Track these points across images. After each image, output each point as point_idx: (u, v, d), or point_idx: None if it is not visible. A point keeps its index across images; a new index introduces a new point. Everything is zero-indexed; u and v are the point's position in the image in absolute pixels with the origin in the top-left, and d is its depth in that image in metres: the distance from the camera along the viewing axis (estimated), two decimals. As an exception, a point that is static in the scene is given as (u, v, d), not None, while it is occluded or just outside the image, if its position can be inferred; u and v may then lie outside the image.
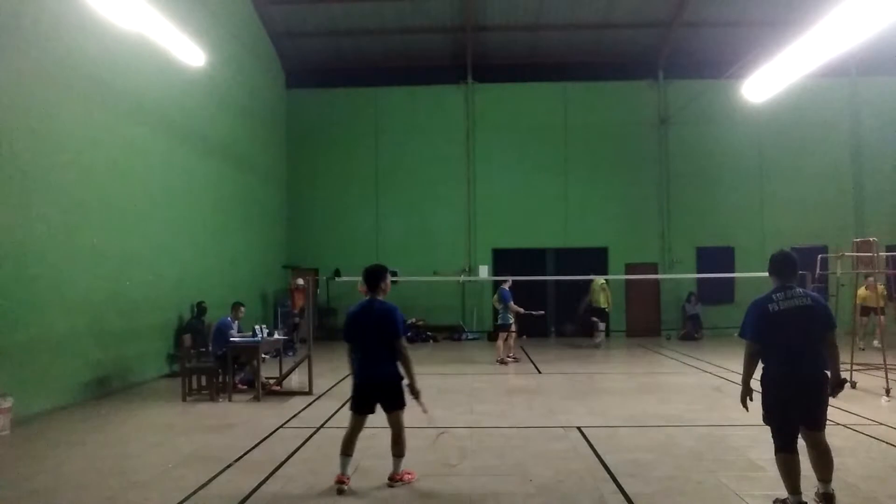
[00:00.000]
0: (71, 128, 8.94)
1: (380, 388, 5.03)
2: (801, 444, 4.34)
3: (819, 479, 4.33)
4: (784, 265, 4.44)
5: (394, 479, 5.01)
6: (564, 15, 17.65)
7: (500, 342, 12.78)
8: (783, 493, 4.38)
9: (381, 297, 5.13)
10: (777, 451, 4.32)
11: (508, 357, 12.73)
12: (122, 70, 10.18)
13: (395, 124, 19.10)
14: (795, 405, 4.26)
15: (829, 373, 4.30)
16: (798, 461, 4.25)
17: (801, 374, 4.23)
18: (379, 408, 5.08)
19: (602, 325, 15.67)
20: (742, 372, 4.47)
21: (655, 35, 18.36)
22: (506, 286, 12.98)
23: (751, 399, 4.49)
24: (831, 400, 4.44)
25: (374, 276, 5.15)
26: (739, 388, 4.57)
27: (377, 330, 4.99)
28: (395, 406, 5.04)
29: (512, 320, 12.76)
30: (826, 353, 4.30)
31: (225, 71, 14.21)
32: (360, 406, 5.06)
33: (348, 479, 4.93)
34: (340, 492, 4.82)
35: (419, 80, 19.02)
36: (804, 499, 4.25)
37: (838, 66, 16.91)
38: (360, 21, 17.86)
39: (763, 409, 4.40)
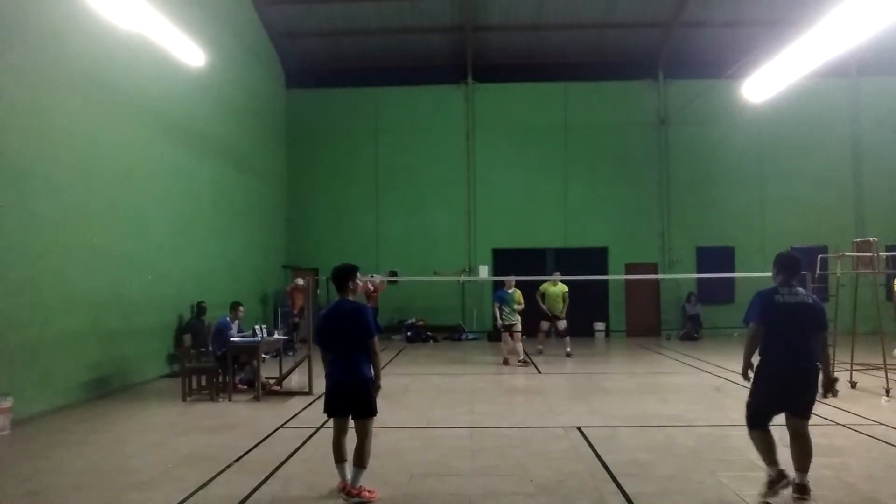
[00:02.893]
0: (71, 128, 8.94)
1: (352, 392, 4.79)
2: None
3: (796, 469, 4.55)
4: (790, 264, 4.77)
5: (351, 494, 4.68)
6: (564, 15, 17.66)
7: (517, 344, 12.52)
8: (782, 492, 4.47)
9: (350, 297, 4.99)
10: (751, 429, 4.67)
11: (512, 357, 12.53)
12: (122, 70, 10.18)
13: (395, 124, 19.10)
14: (787, 394, 4.56)
15: (818, 366, 4.63)
16: (772, 435, 4.59)
17: (797, 366, 4.54)
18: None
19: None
20: (744, 351, 4.75)
21: (655, 35, 18.37)
22: (505, 287, 12.82)
23: (751, 371, 4.74)
24: (830, 399, 4.52)
25: (342, 275, 4.98)
26: (739, 388, 4.84)
27: (349, 330, 4.82)
28: (365, 413, 4.81)
29: (508, 321, 12.54)
30: (818, 350, 4.66)
31: (225, 71, 14.21)
32: (337, 409, 4.88)
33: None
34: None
35: (419, 80, 19.02)
36: (782, 468, 4.53)
37: (838, 66, 16.92)
38: (360, 21, 17.87)
39: (751, 388, 4.73)
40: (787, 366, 4.55)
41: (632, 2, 17.29)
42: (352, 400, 4.81)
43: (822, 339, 4.70)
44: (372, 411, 4.84)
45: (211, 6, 13.59)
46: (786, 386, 4.56)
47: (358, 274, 5.15)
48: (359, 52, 18.92)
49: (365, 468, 4.78)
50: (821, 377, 4.68)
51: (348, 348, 4.83)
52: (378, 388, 4.91)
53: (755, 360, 4.74)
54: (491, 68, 19.02)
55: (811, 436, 4.62)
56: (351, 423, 4.94)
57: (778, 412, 4.61)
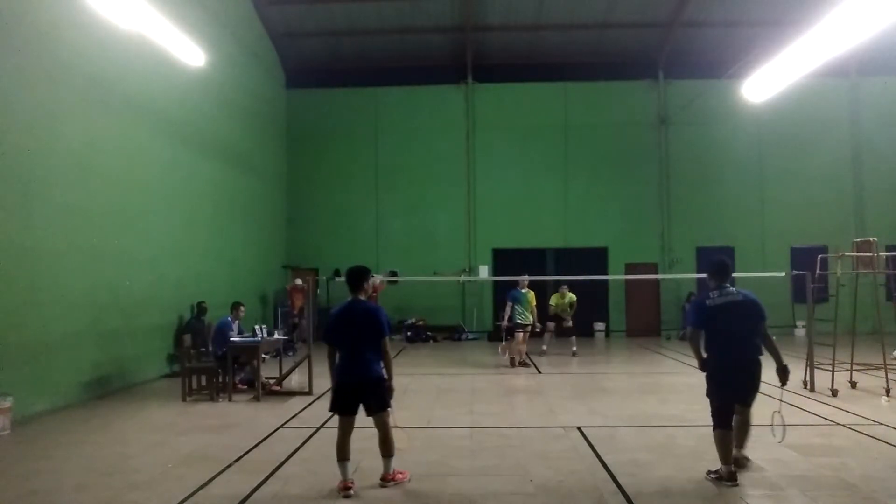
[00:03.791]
0: (71, 128, 8.94)
1: (364, 389, 4.94)
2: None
3: (736, 446, 5.12)
4: (718, 269, 5.25)
5: (386, 480, 4.97)
6: (564, 15, 17.66)
7: (521, 346, 12.24)
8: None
9: (363, 297, 5.12)
10: (716, 427, 5.04)
11: (513, 358, 12.24)
12: (122, 70, 10.18)
13: (395, 124, 19.10)
14: (732, 385, 5.02)
15: (761, 359, 5.00)
16: (732, 436, 5.05)
17: (736, 359, 5.01)
18: (362, 410, 5.01)
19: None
20: (693, 352, 5.29)
21: (655, 35, 18.37)
22: (519, 287, 12.52)
23: (707, 366, 5.15)
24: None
25: (357, 276, 5.13)
26: None
27: (363, 330, 4.95)
28: (379, 407, 4.97)
29: (521, 320, 12.21)
30: (760, 342, 5.05)
31: (225, 71, 14.20)
32: (344, 407, 4.96)
33: (353, 483, 4.87)
34: (348, 497, 4.75)
35: (419, 80, 19.02)
36: (734, 469, 4.99)
37: (838, 66, 16.93)
38: (360, 21, 17.87)
39: (707, 386, 5.17)
40: (727, 360, 5.03)
41: (632, 2, 17.29)
42: (362, 398, 4.94)
43: (761, 328, 5.08)
44: (385, 405, 5.00)
45: (211, 6, 13.58)
46: (730, 378, 5.03)
47: (370, 276, 5.31)
48: (359, 52, 18.92)
49: (393, 456, 5.01)
50: (772, 368, 5.09)
51: (359, 347, 4.95)
52: (391, 388, 5.04)
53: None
54: (491, 68, 19.01)
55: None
56: (366, 423, 5.04)
57: (733, 403, 5.04)
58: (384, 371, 5.00)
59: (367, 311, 5.00)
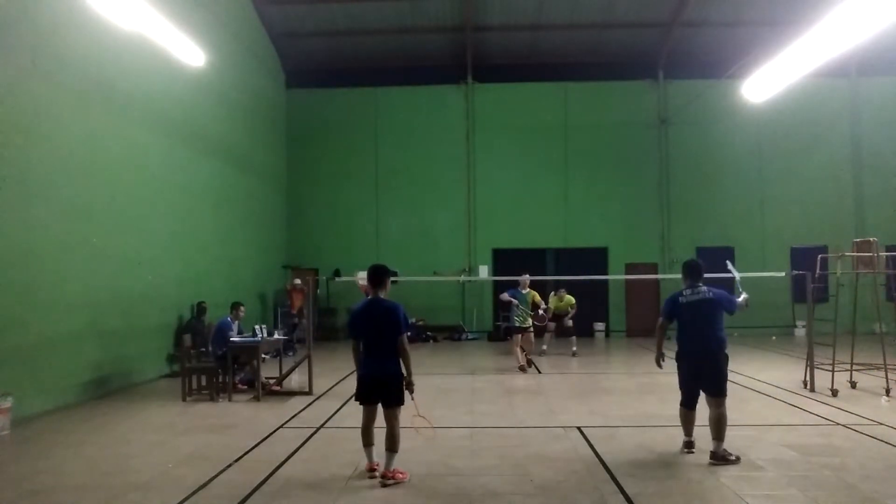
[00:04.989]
0: (71, 128, 8.94)
1: (382, 384, 5.17)
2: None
3: (713, 438, 5.56)
4: (692, 270, 5.88)
5: (385, 477, 5.04)
6: (564, 15, 17.66)
7: (516, 348, 11.84)
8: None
9: (383, 295, 5.30)
10: (681, 405, 5.86)
11: (529, 359, 11.87)
12: (121, 70, 10.18)
13: (395, 124, 19.10)
14: (697, 374, 5.67)
15: (727, 353, 5.65)
16: (694, 416, 5.82)
17: (700, 350, 5.65)
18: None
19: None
20: (656, 342, 6.10)
21: (655, 35, 18.37)
22: (520, 287, 12.10)
23: (663, 361, 5.94)
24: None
25: (378, 274, 5.34)
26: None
27: (381, 327, 5.16)
28: (393, 402, 5.17)
29: (518, 322, 11.87)
30: (723, 334, 5.65)
31: (225, 71, 14.20)
32: (366, 398, 5.24)
33: (377, 464, 5.19)
34: (373, 477, 5.11)
35: (419, 80, 19.02)
36: (692, 440, 5.86)
37: (838, 66, 16.93)
38: (360, 21, 17.87)
39: (678, 374, 5.86)
40: (693, 351, 5.68)
41: (632, 2, 17.30)
42: (381, 391, 5.20)
43: (729, 314, 5.77)
44: (400, 401, 5.20)
45: (211, 6, 13.58)
46: (695, 368, 5.66)
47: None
48: (359, 52, 18.91)
49: (396, 452, 5.12)
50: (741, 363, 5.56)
51: (378, 343, 5.20)
52: (411, 384, 5.23)
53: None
54: (491, 68, 19.01)
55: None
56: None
57: (698, 391, 5.70)
58: (401, 367, 5.18)
59: (387, 309, 5.20)
